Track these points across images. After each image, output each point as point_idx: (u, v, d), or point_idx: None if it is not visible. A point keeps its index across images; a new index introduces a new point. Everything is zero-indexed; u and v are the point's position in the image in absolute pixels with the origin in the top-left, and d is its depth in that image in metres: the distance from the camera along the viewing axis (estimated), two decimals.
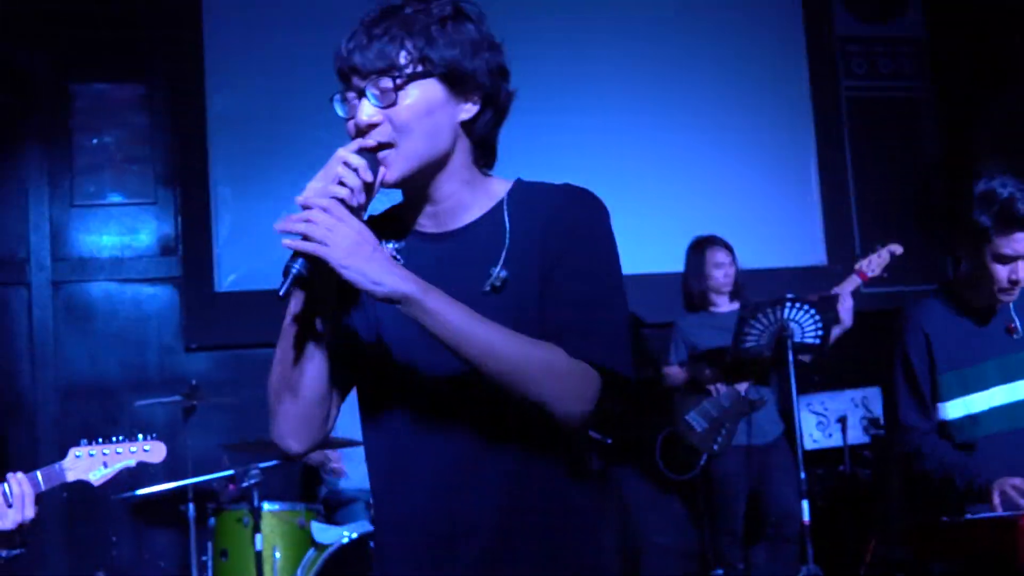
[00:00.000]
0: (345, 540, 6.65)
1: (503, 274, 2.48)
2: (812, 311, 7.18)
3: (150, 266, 8.38)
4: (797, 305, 7.17)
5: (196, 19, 8.42)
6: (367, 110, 2.44)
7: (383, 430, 2.63)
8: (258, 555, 6.59)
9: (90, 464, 4.32)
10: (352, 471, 7.53)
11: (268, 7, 8.60)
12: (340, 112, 2.54)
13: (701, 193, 8.96)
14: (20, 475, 4.06)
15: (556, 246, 2.46)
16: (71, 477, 4.28)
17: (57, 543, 7.98)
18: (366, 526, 6.80)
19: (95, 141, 8.30)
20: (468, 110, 2.52)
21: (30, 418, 8.03)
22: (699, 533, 8.36)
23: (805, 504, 7.07)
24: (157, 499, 7.15)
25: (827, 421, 8.66)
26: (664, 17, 9.16)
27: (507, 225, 2.53)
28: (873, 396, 8.70)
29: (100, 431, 7.61)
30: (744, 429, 7.58)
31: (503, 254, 2.50)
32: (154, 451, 4.47)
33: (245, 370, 8.32)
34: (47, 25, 8.19)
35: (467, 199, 2.57)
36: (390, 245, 2.62)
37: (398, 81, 2.42)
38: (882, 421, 8.05)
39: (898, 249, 7.51)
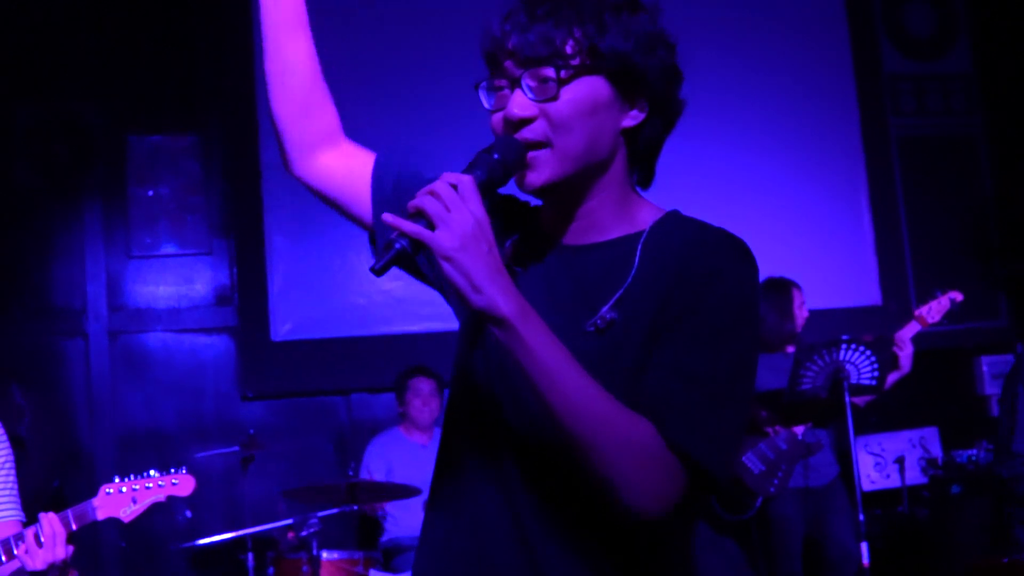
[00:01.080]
0: None
1: (611, 316, 2.14)
2: (868, 352, 7.13)
3: (206, 316, 8.42)
4: (853, 346, 7.13)
5: (249, 70, 8.47)
6: (521, 102, 2.14)
7: (446, 444, 2.36)
8: None
9: (120, 500, 4.30)
10: (409, 519, 7.54)
11: (321, 56, 8.64)
12: (485, 103, 2.24)
13: (754, 234, 8.84)
14: (51, 515, 4.05)
15: (682, 296, 2.09)
16: (101, 515, 4.26)
17: None
18: None
19: (150, 192, 8.37)
20: (634, 116, 2.22)
21: (88, 468, 8.05)
22: (757, 575, 8.32)
23: (864, 546, 7.02)
24: (216, 549, 7.16)
25: (885, 462, 8.62)
26: (714, 60, 9.17)
27: (636, 261, 2.17)
28: (931, 436, 8.67)
29: None
30: (800, 471, 7.54)
31: (618, 294, 2.15)
32: (182, 484, 4.45)
33: (301, 418, 8.37)
34: (102, 79, 8.28)
35: (608, 219, 2.26)
36: (510, 243, 2.35)
37: (563, 73, 2.12)
38: (940, 461, 8.01)
39: (959, 296, 7.44)
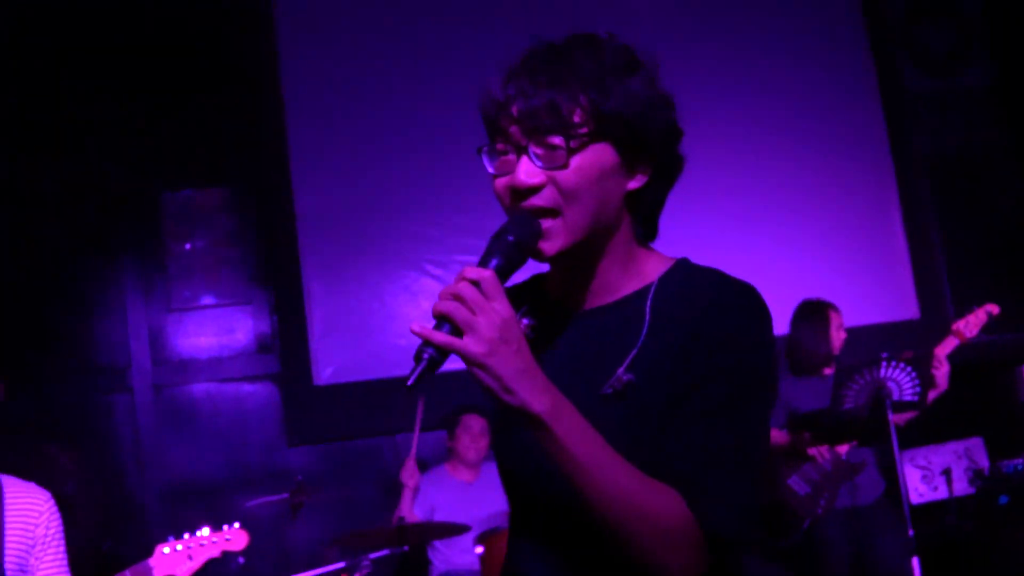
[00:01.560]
0: None
1: (627, 378, 2.14)
2: (909, 368, 7.13)
3: (248, 364, 8.48)
4: (893, 363, 7.13)
5: (280, 121, 8.57)
6: (529, 170, 2.12)
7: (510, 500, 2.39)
8: None
9: (176, 559, 4.36)
10: (456, 555, 7.57)
11: (351, 104, 8.73)
12: (489, 168, 2.21)
13: (790, 256, 8.95)
14: None
15: (698, 363, 2.09)
16: (158, 574, 4.33)
17: None
18: None
19: (187, 246, 8.45)
20: (639, 179, 2.22)
21: (140, 522, 8.11)
22: None
23: (915, 561, 7.01)
24: None
25: (931, 474, 8.60)
26: (739, 86, 9.20)
27: (647, 318, 2.18)
28: (976, 447, 8.64)
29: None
30: (846, 490, 7.54)
31: (632, 354, 2.16)
32: (235, 539, 4.51)
33: (348, 461, 8.42)
34: (133, 138, 8.37)
35: (617, 279, 2.26)
36: (524, 317, 2.35)
37: (572, 143, 2.10)
38: (987, 471, 7.99)
39: (995, 309, 7.43)
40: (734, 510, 2.04)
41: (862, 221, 9.26)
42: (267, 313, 8.51)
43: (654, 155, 2.21)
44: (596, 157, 2.14)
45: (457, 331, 1.96)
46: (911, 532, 7.04)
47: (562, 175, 2.11)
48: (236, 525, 4.51)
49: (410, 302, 8.51)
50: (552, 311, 2.33)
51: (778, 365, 2.19)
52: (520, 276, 2.28)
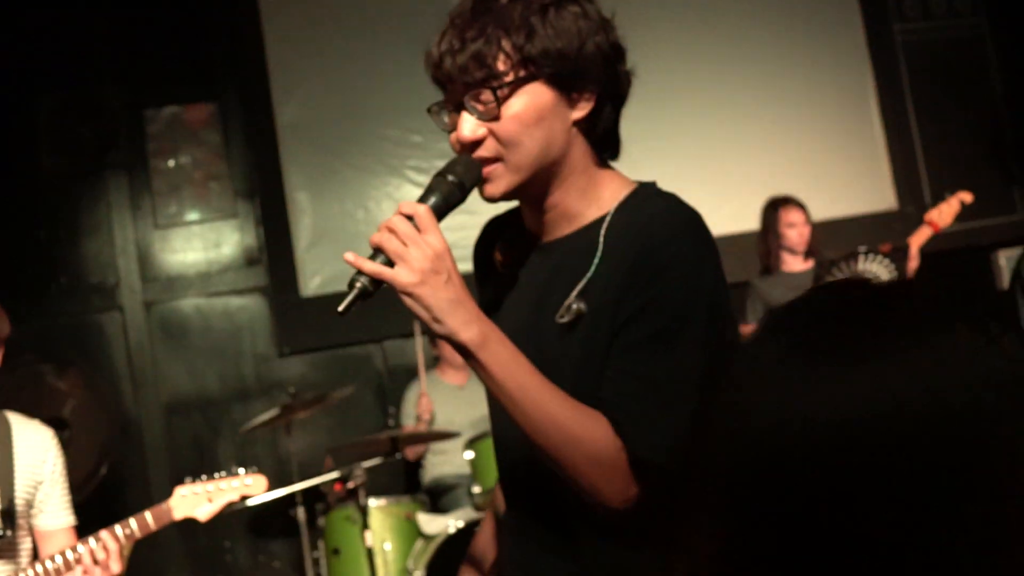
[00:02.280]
0: (452, 530, 6.78)
1: (578, 306, 2.20)
2: (887, 260, 7.22)
3: (237, 278, 8.52)
4: (871, 256, 7.22)
5: (258, 33, 8.54)
6: (469, 125, 2.19)
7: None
8: (369, 550, 6.74)
9: (196, 501, 4.43)
10: (450, 460, 7.68)
11: (328, 14, 8.71)
12: (441, 125, 2.29)
13: (766, 150, 8.98)
14: (106, 533, 4.18)
15: (635, 293, 2.14)
16: (178, 515, 4.39)
17: (175, 555, 8.17)
18: (471, 513, 6.93)
19: (172, 163, 8.47)
20: (582, 108, 2.24)
21: (138, 437, 8.20)
22: None
23: None
24: (266, 507, 7.31)
25: None
26: None
27: (600, 247, 2.22)
28: None
29: (206, 443, 7.90)
30: None
31: (581, 284, 2.21)
32: (255, 484, 4.59)
33: (339, 369, 8.48)
34: (118, 56, 8.35)
35: (576, 206, 2.30)
36: (498, 251, 2.46)
37: (500, 92, 2.16)
38: None
39: (968, 197, 7.50)
40: (661, 437, 2.08)
41: (839, 113, 9.29)
42: (253, 226, 8.53)
43: (595, 82, 2.23)
44: (531, 100, 2.19)
45: (390, 262, 2.07)
46: None
47: (498, 126, 2.19)
48: (255, 470, 4.61)
49: (393, 209, 8.48)
50: (526, 242, 2.40)
51: (726, 295, 2.18)
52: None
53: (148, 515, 4.24)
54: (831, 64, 9.31)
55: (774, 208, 7.86)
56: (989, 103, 9.48)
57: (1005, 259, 9.12)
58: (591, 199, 2.30)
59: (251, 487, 4.53)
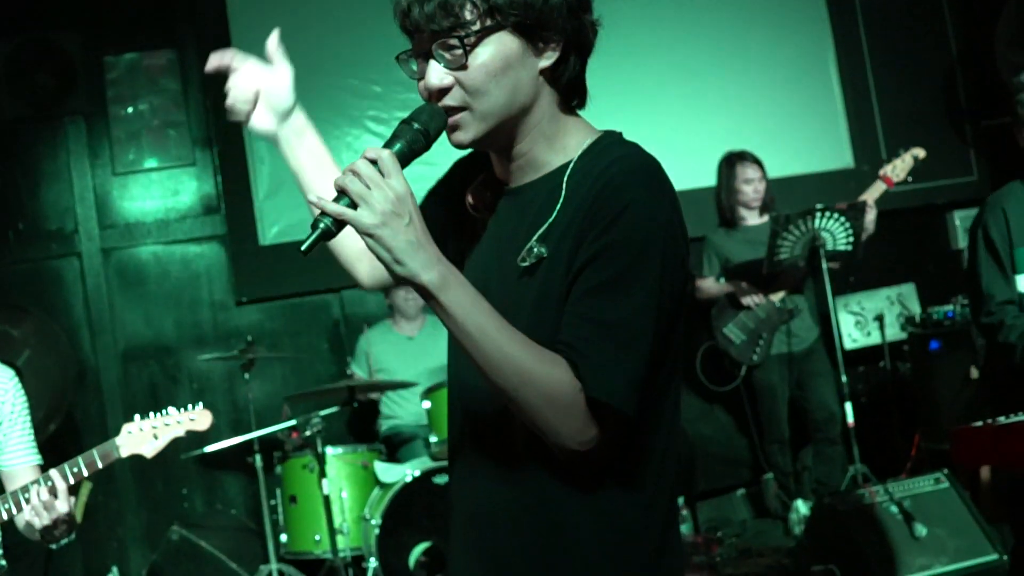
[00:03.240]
0: (409, 479, 6.84)
1: (539, 250, 2.24)
2: (842, 218, 7.30)
3: (195, 226, 8.50)
4: (827, 214, 7.29)
5: None
6: (436, 74, 2.23)
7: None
8: (326, 498, 6.82)
9: (141, 438, 4.43)
10: (407, 409, 7.74)
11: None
12: (409, 74, 2.32)
13: (725, 106, 9.03)
14: (54, 471, 4.19)
15: (591, 238, 2.18)
16: (125, 453, 4.40)
17: (132, 501, 8.20)
18: (427, 463, 7.00)
19: (130, 110, 8.43)
20: (548, 56, 2.27)
21: (95, 384, 8.20)
22: (747, 441, 8.56)
23: (848, 406, 7.25)
24: (224, 454, 7.34)
25: (864, 320, 8.81)
26: None
27: (562, 193, 2.27)
28: (908, 293, 8.85)
29: (163, 390, 7.92)
30: (782, 337, 7.75)
31: (542, 229, 2.26)
32: (200, 419, 4.60)
33: (296, 319, 8.51)
34: (77, 2, 8.31)
35: (543, 155, 2.34)
36: (468, 195, 2.47)
37: (466, 41, 2.19)
38: (918, 318, 8.21)
39: (920, 153, 7.59)
40: (618, 379, 2.13)
41: (798, 71, 9.32)
42: (212, 174, 8.51)
43: (561, 31, 2.25)
44: (497, 49, 2.22)
45: (353, 204, 2.08)
46: (844, 378, 7.28)
47: (465, 75, 2.22)
48: (199, 406, 4.62)
49: (353, 159, 8.49)
50: (496, 188, 2.44)
51: (684, 241, 2.21)
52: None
53: (95, 452, 4.24)
54: (791, 22, 9.35)
55: (731, 164, 7.94)
56: (946, 64, 9.54)
57: (960, 219, 9.24)
58: (557, 147, 2.33)
59: (196, 422, 4.54)
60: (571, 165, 2.29)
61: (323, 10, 8.63)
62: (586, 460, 2.19)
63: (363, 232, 2.08)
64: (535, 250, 2.25)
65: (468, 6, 2.18)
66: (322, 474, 6.83)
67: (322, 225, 2.11)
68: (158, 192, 8.50)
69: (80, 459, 4.19)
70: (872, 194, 7.49)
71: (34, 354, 7.48)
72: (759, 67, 9.20)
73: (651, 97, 8.86)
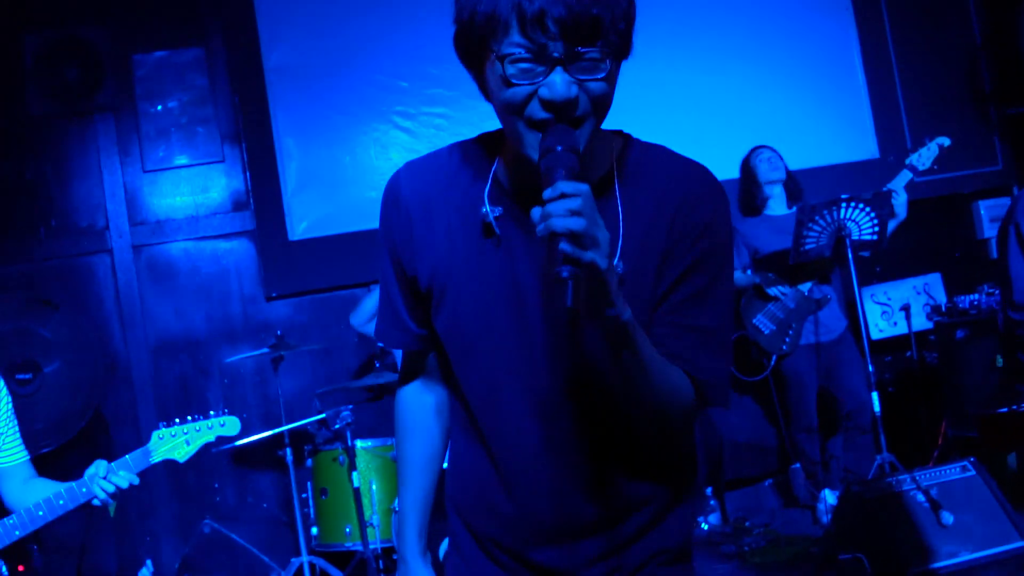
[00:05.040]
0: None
1: (621, 268, 2.22)
2: (867, 208, 7.30)
3: (224, 222, 8.57)
4: (852, 204, 7.30)
5: None
6: (567, 80, 2.09)
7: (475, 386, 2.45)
8: (356, 491, 6.86)
9: (173, 444, 4.53)
10: None
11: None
12: (512, 77, 2.12)
13: (750, 98, 9.03)
14: (114, 465, 4.30)
15: (683, 252, 2.24)
16: (157, 458, 4.49)
17: (165, 496, 8.26)
18: None
19: (159, 107, 8.50)
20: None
21: (127, 378, 8.27)
22: (776, 430, 8.57)
23: (875, 396, 7.26)
24: (255, 447, 7.39)
25: (891, 310, 8.82)
26: None
27: (619, 209, 2.26)
28: (934, 282, 8.86)
29: (193, 384, 7.97)
30: (810, 328, 7.76)
31: (619, 244, 2.23)
32: (229, 426, 4.70)
33: (325, 313, 8.55)
34: (105, 2, 8.38)
35: (586, 168, 2.17)
36: (493, 207, 2.34)
37: (613, 53, 2.13)
38: (944, 307, 8.22)
39: (946, 141, 7.59)
40: (726, 383, 2.31)
41: (822, 62, 9.33)
42: (240, 170, 8.57)
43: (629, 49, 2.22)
44: (616, 68, 2.18)
45: (581, 245, 1.93)
46: (871, 367, 7.29)
47: (596, 86, 2.12)
48: (225, 411, 4.71)
49: (380, 155, 8.59)
50: (516, 199, 2.34)
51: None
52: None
53: (128, 459, 4.34)
54: (815, 14, 9.35)
55: (749, 155, 8.00)
56: (969, 52, 9.53)
57: (985, 208, 9.23)
58: (593, 157, 2.28)
59: (226, 428, 4.64)
60: (616, 179, 2.30)
61: (350, 6, 8.67)
62: (679, 457, 2.44)
63: (598, 276, 1.96)
64: (619, 270, 2.20)
65: (610, 24, 2.10)
66: (352, 467, 6.87)
67: (570, 276, 1.91)
68: (187, 189, 8.56)
69: (114, 465, 4.29)
70: (898, 183, 7.50)
71: (64, 350, 7.53)
72: (783, 58, 9.21)
73: (675, 91, 8.87)
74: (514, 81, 2.11)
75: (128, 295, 8.35)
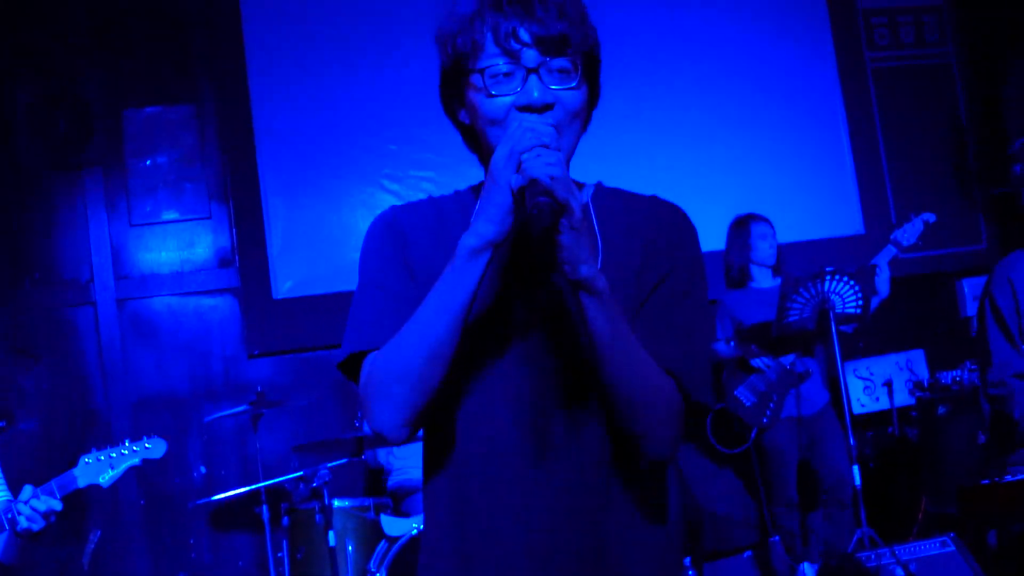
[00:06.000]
0: (415, 531, 6.81)
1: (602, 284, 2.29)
2: (852, 282, 7.32)
3: (209, 278, 8.57)
4: (837, 277, 7.32)
5: (239, 40, 8.62)
6: (542, 88, 2.29)
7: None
8: (332, 550, 6.81)
9: (99, 468, 4.54)
10: (414, 464, 7.74)
11: (308, 19, 8.79)
12: (491, 87, 2.31)
13: (737, 171, 9.07)
14: (40, 488, 4.29)
15: (658, 264, 2.39)
16: (82, 483, 4.50)
17: (139, 550, 8.20)
18: None
19: (148, 162, 8.52)
20: (589, 105, 2.42)
21: (105, 432, 8.19)
22: (756, 503, 8.55)
23: (856, 469, 7.25)
24: (232, 503, 7.35)
25: (873, 385, 8.82)
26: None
27: (596, 229, 2.41)
28: (917, 359, 8.87)
29: (173, 441, 7.93)
30: (792, 401, 7.75)
31: (599, 258, 2.36)
32: (155, 447, 4.70)
33: (307, 372, 8.54)
34: (99, 53, 8.42)
35: None
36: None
37: (583, 64, 2.33)
38: (926, 383, 8.23)
39: (931, 218, 7.64)
40: (708, 377, 2.41)
41: (809, 137, 9.40)
42: (227, 228, 8.59)
43: (597, 85, 2.43)
44: (591, 81, 2.39)
45: (548, 200, 2.09)
46: (852, 441, 7.29)
47: (569, 95, 2.33)
48: (154, 436, 4.71)
49: (367, 216, 8.52)
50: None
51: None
52: None
53: (53, 484, 4.34)
54: (803, 88, 9.43)
55: (743, 224, 7.98)
56: (955, 132, 9.61)
57: (968, 287, 9.27)
58: None
59: (151, 450, 4.63)
60: (592, 213, 2.45)
61: (342, 69, 8.73)
62: (663, 464, 2.43)
63: (572, 227, 2.10)
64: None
65: (580, 38, 2.31)
66: (328, 526, 6.83)
67: (539, 211, 2.07)
68: (174, 244, 8.57)
69: (38, 490, 4.28)
70: (882, 259, 7.53)
71: (42, 403, 7.52)
72: (771, 132, 9.27)
73: (659, 159, 8.90)
74: (493, 91, 2.30)
75: (110, 349, 8.33)
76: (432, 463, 2.51)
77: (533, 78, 2.28)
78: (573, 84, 2.31)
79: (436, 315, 2.26)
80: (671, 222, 2.46)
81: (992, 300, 4.89)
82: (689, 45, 9.26)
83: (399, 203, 2.59)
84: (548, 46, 2.27)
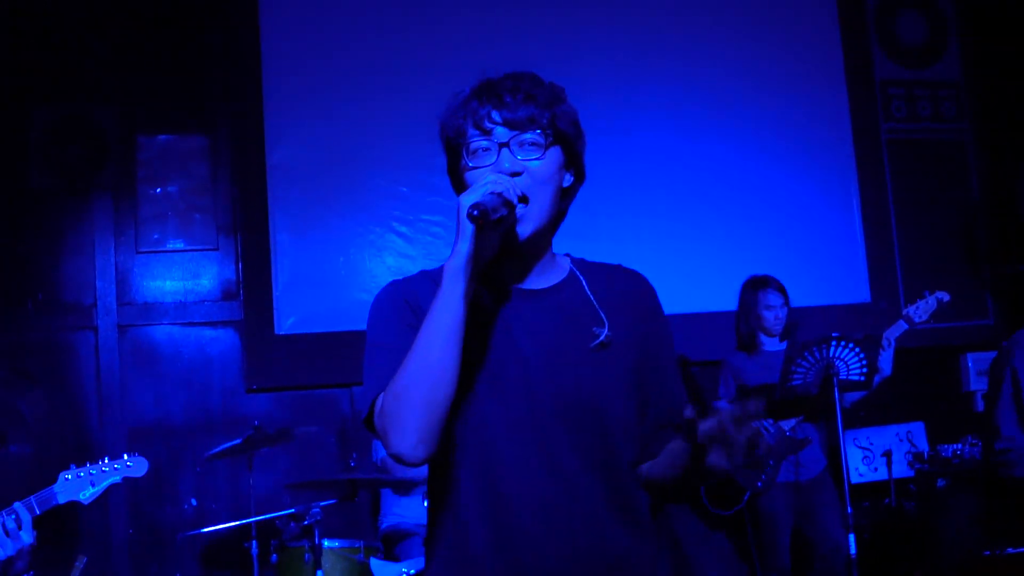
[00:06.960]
0: None
1: (608, 333, 2.75)
2: (857, 349, 7.28)
3: (212, 310, 8.55)
4: (843, 343, 7.28)
5: (256, 72, 8.63)
6: (511, 159, 2.70)
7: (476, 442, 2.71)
8: None
9: (79, 485, 4.51)
10: (407, 507, 7.69)
11: (327, 60, 8.81)
12: (471, 159, 2.74)
13: (748, 234, 9.08)
14: (17, 504, 4.25)
15: (647, 329, 2.84)
16: (63, 499, 4.47)
17: None
18: (423, 563, 6.92)
19: (159, 191, 8.52)
20: (567, 179, 2.82)
21: (98, 459, 8.18)
22: (748, 567, 8.48)
23: (851, 537, 7.19)
24: (221, 537, 7.30)
25: (872, 455, 8.78)
26: (707, 63, 9.32)
27: (588, 292, 2.82)
28: (917, 431, 8.83)
29: (166, 471, 7.89)
30: (789, 466, 7.70)
31: (602, 315, 2.79)
32: (136, 466, 4.67)
33: (305, 410, 8.50)
34: (117, 79, 8.43)
35: (550, 264, 2.85)
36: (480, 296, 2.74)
37: (546, 140, 2.72)
38: (926, 455, 8.18)
39: (945, 296, 7.61)
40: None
41: (821, 204, 9.41)
42: (233, 261, 8.57)
43: (579, 162, 2.85)
44: (555, 155, 2.77)
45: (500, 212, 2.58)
46: (849, 509, 7.23)
47: (537, 164, 2.71)
48: (136, 454, 4.68)
49: (374, 257, 8.60)
50: (510, 292, 2.81)
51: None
52: None
53: (33, 501, 4.30)
54: (817, 155, 9.45)
55: (754, 289, 7.93)
56: (967, 207, 9.61)
57: (973, 362, 9.24)
58: (554, 260, 2.89)
59: (132, 469, 4.61)
60: (582, 281, 2.87)
61: (357, 110, 8.74)
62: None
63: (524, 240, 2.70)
64: (606, 333, 2.77)
65: (547, 115, 2.73)
66: (317, 566, 6.78)
67: (479, 211, 2.52)
68: (179, 274, 8.55)
69: (18, 505, 4.24)
70: (892, 333, 7.50)
71: (37, 428, 7.47)
72: (782, 196, 9.29)
73: (673, 221, 8.91)
74: (471, 164, 2.74)
75: (109, 375, 8.30)
76: (436, 472, 2.80)
77: (505, 151, 2.71)
78: (539, 154, 2.71)
79: (433, 334, 2.57)
80: (646, 290, 2.92)
81: (1015, 372, 4.88)
82: (705, 103, 9.27)
83: (408, 261, 3.08)
84: (515, 125, 2.70)
